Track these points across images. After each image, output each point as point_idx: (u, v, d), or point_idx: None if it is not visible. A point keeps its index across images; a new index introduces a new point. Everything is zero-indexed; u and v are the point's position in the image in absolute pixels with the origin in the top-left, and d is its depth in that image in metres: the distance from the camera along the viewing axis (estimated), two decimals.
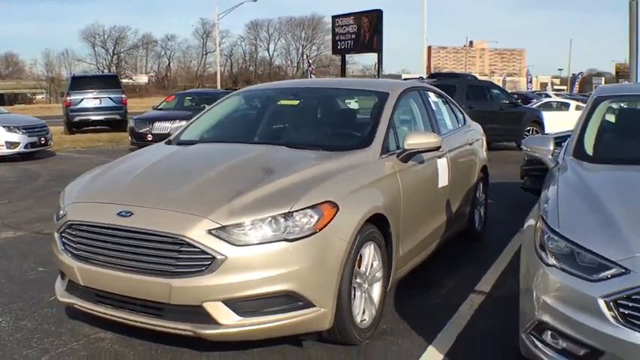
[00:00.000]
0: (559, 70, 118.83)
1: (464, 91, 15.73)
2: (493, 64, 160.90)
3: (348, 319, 3.54)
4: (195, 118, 5.33)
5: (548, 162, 4.18)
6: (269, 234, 3.28)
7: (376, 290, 3.90)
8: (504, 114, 16.13)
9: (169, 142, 4.94)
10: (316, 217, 3.37)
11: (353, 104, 5.37)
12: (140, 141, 14.49)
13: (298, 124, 5.01)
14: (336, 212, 3.45)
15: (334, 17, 24.79)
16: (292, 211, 3.34)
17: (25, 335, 3.92)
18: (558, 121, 18.96)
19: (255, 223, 3.29)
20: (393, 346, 3.80)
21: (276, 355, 3.63)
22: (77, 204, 3.76)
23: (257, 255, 3.24)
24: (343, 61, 25.79)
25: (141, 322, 3.44)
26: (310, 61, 40.64)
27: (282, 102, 5.20)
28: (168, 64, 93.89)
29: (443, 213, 5.13)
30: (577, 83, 56.78)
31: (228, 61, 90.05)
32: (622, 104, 4.46)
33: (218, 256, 3.21)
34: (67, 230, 3.68)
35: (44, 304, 4.49)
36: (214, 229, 3.25)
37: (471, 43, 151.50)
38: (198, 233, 3.24)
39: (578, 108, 20.75)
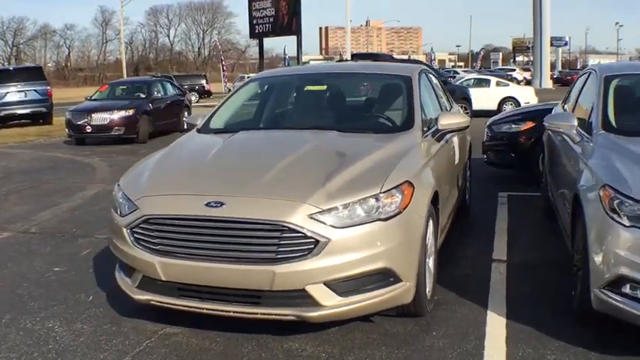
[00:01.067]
0: (457, 46, 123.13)
1: None
2: (390, 43, 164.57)
3: (422, 291, 3.77)
4: (218, 106, 5.29)
5: (574, 136, 4.51)
6: (365, 215, 3.43)
7: (432, 263, 4.13)
8: None
9: (201, 131, 4.93)
10: (400, 197, 3.56)
11: (378, 88, 5.50)
12: (78, 133, 13.99)
13: (335, 109, 5.13)
14: (413, 191, 3.65)
15: (251, 0, 24.62)
16: (382, 192, 3.51)
17: (90, 339, 3.83)
18: (482, 97, 19.90)
19: (350, 205, 3.43)
20: (455, 313, 4.05)
21: (356, 333, 3.78)
22: (152, 197, 3.70)
23: (356, 236, 3.38)
24: (261, 46, 25.69)
25: (234, 312, 3.48)
26: (220, 47, 40.00)
27: (310, 88, 5.29)
28: (68, 54, 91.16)
29: (456, 188, 5.44)
30: (479, 59, 59.32)
31: (129, 48, 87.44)
32: (628, 81, 4.87)
33: (321, 240, 3.31)
34: (143, 225, 3.62)
35: (86, 304, 4.38)
36: (315, 213, 3.36)
37: (367, 22, 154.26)
38: (300, 218, 3.33)
39: (498, 84, 21.79)
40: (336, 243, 3.33)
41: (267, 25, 23.71)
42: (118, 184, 4.11)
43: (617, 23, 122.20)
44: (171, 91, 16.81)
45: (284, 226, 3.33)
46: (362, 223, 3.41)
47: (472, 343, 3.64)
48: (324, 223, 3.35)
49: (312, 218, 3.35)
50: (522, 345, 3.59)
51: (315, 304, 3.38)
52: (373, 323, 3.89)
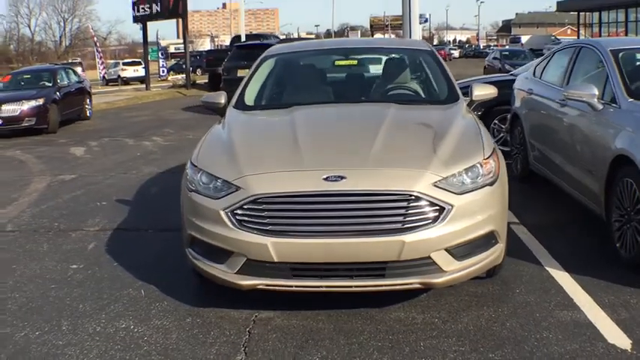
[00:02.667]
0: (316, 26, 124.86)
1: None
2: (248, 24, 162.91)
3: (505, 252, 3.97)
4: (244, 83, 5.08)
5: (596, 105, 4.88)
6: (478, 181, 3.56)
7: None
8: None
9: (242, 108, 4.76)
10: (494, 164, 3.74)
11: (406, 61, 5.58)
12: None
13: (376, 83, 5.17)
14: (498, 158, 3.84)
15: None
16: (485, 159, 3.66)
17: (183, 335, 3.61)
18: None
19: (463, 172, 3.55)
20: (520, 272, 4.29)
21: (448, 297, 3.91)
22: (258, 176, 3.54)
23: (473, 201, 3.50)
24: (145, 30, 24.59)
25: (357, 287, 3.47)
26: (93, 32, 37.62)
27: (341, 62, 5.28)
28: None
29: None
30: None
31: None
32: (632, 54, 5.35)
33: (447, 207, 3.40)
34: (249, 206, 3.46)
35: (144, 300, 4.12)
36: (438, 181, 3.44)
37: (224, 5, 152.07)
38: (426, 186, 3.39)
39: None
40: (458, 209, 3.44)
41: (151, 8, 22.75)
42: (195, 165, 3.87)
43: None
44: (74, 78, 15.70)
45: (411, 196, 3.37)
46: (475, 189, 3.55)
47: (558, 296, 3.91)
48: (447, 190, 3.44)
49: (435, 186, 3.43)
50: (600, 293, 3.92)
51: (438, 270, 3.46)
52: (454, 288, 4.01)
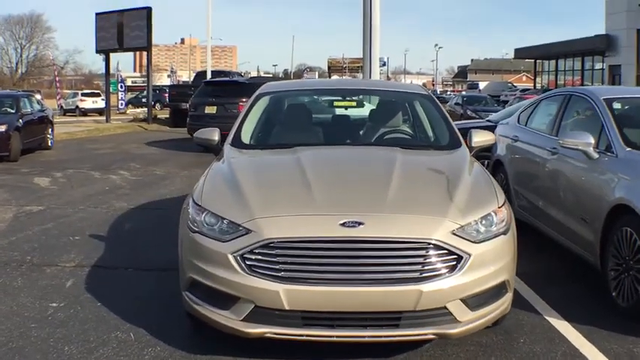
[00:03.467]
0: (274, 65, 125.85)
1: None
2: (205, 62, 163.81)
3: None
4: (241, 121, 4.97)
5: (592, 154, 4.94)
6: (492, 229, 3.51)
7: None
8: None
9: (240, 147, 4.64)
10: (506, 212, 3.71)
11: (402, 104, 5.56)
12: None
13: (375, 126, 5.12)
14: (509, 207, 3.82)
15: (98, 14, 23.29)
16: (499, 207, 3.63)
17: None
18: None
19: (480, 220, 3.50)
20: (519, 321, 4.23)
21: (453, 348, 3.81)
22: (271, 219, 3.39)
23: (489, 250, 3.45)
24: (107, 61, 24.27)
25: (370, 337, 3.34)
26: (53, 60, 37.00)
27: (340, 104, 5.23)
28: None
29: None
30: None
31: None
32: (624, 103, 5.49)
33: (464, 255, 3.33)
34: (260, 250, 3.32)
35: (134, 344, 3.88)
36: (456, 229, 3.37)
37: (182, 40, 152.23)
38: (444, 234, 3.32)
39: None
40: (475, 258, 3.37)
41: (114, 39, 22.49)
42: (198, 204, 3.71)
43: (436, 45, 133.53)
44: (36, 106, 15.23)
45: (429, 244, 3.29)
46: (491, 238, 3.50)
47: (563, 346, 3.86)
48: (464, 239, 3.38)
49: (454, 234, 3.36)
50: (603, 342, 3.90)
51: (453, 320, 3.37)
52: (458, 337, 3.91)
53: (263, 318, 3.35)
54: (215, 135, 4.91)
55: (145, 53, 23.56)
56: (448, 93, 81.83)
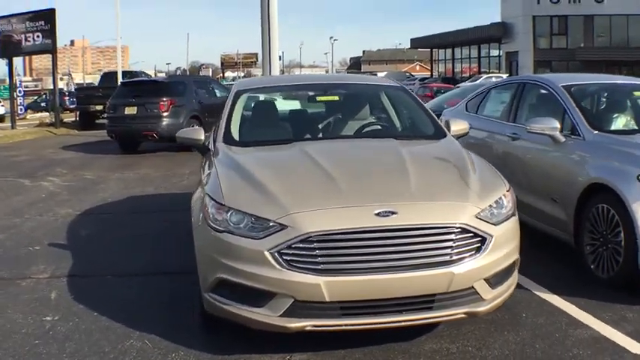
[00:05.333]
0: (167, 64, 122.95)
1: (192, 86, 15.89)
2: (96, 62, 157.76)
3: None
4: (227, 118, 4.93)
5: (559, 137, 5.30)
6: (504, 212, 3.73)
7: None
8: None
9: (232, 144, 4.63)
10: (512, 195, 3.96)
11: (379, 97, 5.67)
12: None
13: (363, 118, 5.25)
14: (512, 190, 4.06)
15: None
16: (507, 191, 3.87)
17: None
18: None
19: (494, 204, 3.70)
20: (515, 297, 4.44)
21: (466, 326, 3.99)
22: (307, 213, 3.43)
23: (506, 231, 3.68)
24: (11, 65, 22.79)
25: (405, 321, 3.47)
26: None
27: (322, 98, 5.27)
28: None
29: None
30: None
31: None
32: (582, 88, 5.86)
33: (487, 237, 3.52)
34: (299, 245, 3.36)
35: (157, 351, 3.82)
36: (479, 213, 3.56)
37: (72, 42, 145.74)
38: (470, 218, 3.51)
39: None
40: (497, 239, 3.58)
41: (18, 43, 21.19)
42: (221, 203, 3.66)
43: (331, 37, 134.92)
44: None
45: (458, 228, 3.46)
46: (505, 220, 3.72)
47: (563, 317, 4.17)
48: (486, 222, 3.58)
49: (477, 218, 3.55)
50: (597, 311, 4.23)
51: (480, 299, 3.57)
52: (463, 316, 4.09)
53: (302, 312, 3.40)
54: (200, 135, 4.90)
55: (34, 57, 22.26)
56: None
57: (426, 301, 3.45)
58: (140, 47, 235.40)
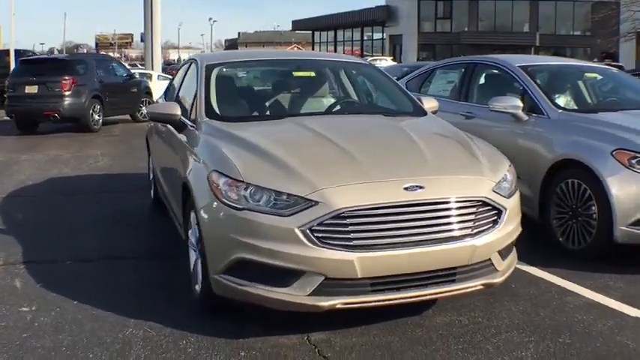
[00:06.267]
0: (41, 44, 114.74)
1: (93, 65, 15.11)
2: None
3: None
4: (205, 95, 4.62)
5: (522, 116, 5.52)
6: (510, 186, 3.85)
7: None
8: (128, 86, 16.23)
9: (222, 119, 4.41)
10: (513, 170, 4.08)
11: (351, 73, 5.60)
12: None
13: (344, 95, 5.27)
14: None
15: None
16: (509, 167, 4.01)
17: None
18: (159, 89, 20.00)
19: (503, 178, 3.82)
20: None
21: (454, 304, 4.07)
22: (337, 188, 3.34)
23: (515, 204, 3.82)
24: None
25: (430, 295, 3.51)
26: None
27: (298, 74, 5.14)
28: None
29: None
30: None
31: None
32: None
33: (503, 210, 3.63)
34: (330, 221, 3.28)
35: (166, 339, 3.60)
36: (494, 186, 3.66)
37: None
38: (488, 191, 3.61)
39: (159, 77, 22.11)
40: (510, 212, 3.70)
41: None
42: (238, 179, 3.46)
43: (210, 19, 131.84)
44: None
45: (479, 201, 3.54)
46: (513, 194, 3.85)
47: (552, 287, 4.38)
48: (500, 195, 3.68)
49: (494, 191, 3.65)
50: (580, 280, 4.46)
51: (494, 270, 3.68)
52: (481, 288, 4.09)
53: (330, 290, 3.34)
54: (177, 110, 4.63)
55: None
56: None
57: (448, 274, 3.50)
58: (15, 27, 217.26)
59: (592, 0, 36.61)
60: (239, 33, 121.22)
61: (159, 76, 22.60)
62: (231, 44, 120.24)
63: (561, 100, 5.64)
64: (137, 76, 17.77)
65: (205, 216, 3.61)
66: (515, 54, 7.66)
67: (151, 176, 6.78)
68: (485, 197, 3.57)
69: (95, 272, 4.75)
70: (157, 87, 20.31)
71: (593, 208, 4.78)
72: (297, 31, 75.82)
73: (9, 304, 4.06)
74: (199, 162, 3.95)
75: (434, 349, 3.46)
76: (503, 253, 3.75)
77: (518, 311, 3.96)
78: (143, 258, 5.08)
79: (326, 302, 3.34)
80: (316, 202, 3.31)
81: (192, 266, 4.02)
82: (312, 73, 5.31)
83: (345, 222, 3.30)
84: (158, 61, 26.36)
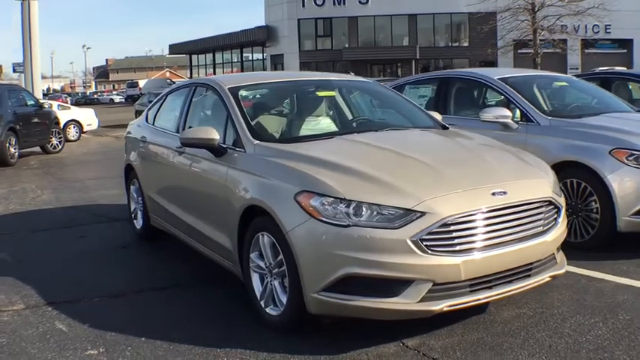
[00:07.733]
0: None
1: (6, 96, 14.13)
2: None
3: None
4: (243, 120, 4.59)
5: (512, 125, 5.98)
6: (558, 186, 4.29)
7: None
8: (38, 116, 15.39)
9: (274, 140, 4.52)
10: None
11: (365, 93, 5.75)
12: None
13: (371, 113, 5.54)
14: None
15: None
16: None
17: None
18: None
19: (554, 179, 4.25)
20: None
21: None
22: (439, 198, 3.55)
23: (564, 202, 4.24)
24: None
25: (514, 290, 3.78)
26: None
27: (321, 94, 5.33)
28: None
29: None
30: None
31: None
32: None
33: (561, 207, 4.06)
34: (436, 229, 3.47)
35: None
36: (553, 186, 4.08)
37: None
38: (551, 192, 4.00)
39: (59, 107, 21.09)
40: (562, 210, 4.10)
41: None
42: (339, 198, 3.54)
43: (84, 46, 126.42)
44: None
45: (546, 201, 3.91)
46: (561, 193, 4.27)
47: (578, 276, 4.79)
48: (556, 194, 4.08)
49: (553, 191, 4.04)
50: (597, 268, 4.93)
51: (556, 263, 4.06)
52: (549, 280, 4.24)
53: (437, 294, 3.53)
54: (214, 134, 4.49)
55: None
56: (102, 94, 78.44)
57: (526, 270, 3.81)
58: None
59: (468, 12, 38.87)
60: (107, 60, 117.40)
61: (59, 105, 21.61)
62: (103, 72, 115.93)
63: (544, 107, 6.15)
64: (46, 106, 16.83)
65: (300, 236, 3.62)
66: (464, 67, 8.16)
67: (133, 206, 6.52)
68: (551, 197, 3.96)
69: (134, 306, 4.59)
70: (59, 117, 19.41)
71: (594, 203, 5.31)
72: (169, 55, 74.60)
73: (71, 349, 3.83)
74: (271, 183, 3.95)
75: (523, 338, 3.75)
76: (559, 247, 4.12)
77: (567, 299, 4.34)
78: (174, 287, 4.94)
79: (436, 307, 3.52)
80: (423, 213, 3.50)
81: (257, 289, 4.07)
82: (334, 93, 5.42)
83: (449, 229, 3.52)
84: (39, 91, 25.01)
